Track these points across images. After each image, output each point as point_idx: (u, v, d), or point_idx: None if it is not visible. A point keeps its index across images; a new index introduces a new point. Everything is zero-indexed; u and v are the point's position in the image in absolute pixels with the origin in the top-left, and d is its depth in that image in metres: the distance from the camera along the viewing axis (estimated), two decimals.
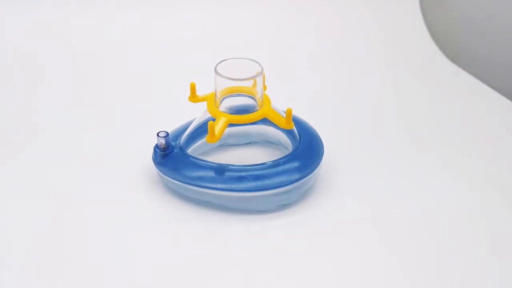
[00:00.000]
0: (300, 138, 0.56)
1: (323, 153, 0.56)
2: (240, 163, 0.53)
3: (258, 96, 0.54)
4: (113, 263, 0.48)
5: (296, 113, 0.61)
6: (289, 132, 0.58)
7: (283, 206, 0.54)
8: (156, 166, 0.54)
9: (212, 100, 0.54)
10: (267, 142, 0.61)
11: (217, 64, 0.53)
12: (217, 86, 0.53)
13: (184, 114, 0.58)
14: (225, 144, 0.60)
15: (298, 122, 0.58)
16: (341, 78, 0.79)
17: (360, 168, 0.61)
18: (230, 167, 0.53)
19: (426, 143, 0.66)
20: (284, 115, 0.55)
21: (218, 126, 0.52)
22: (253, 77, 0.52)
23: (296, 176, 0.53)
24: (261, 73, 0.53)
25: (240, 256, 0.50)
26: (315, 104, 0.72)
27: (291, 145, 0.57)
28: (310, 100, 0.72)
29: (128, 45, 0.80)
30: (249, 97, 0.54)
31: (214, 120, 0.53)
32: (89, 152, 0.61)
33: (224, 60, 0.53)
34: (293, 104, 0.61)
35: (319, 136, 0.58)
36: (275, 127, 0.58)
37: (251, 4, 0.86)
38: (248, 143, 0.61)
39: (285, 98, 0.65)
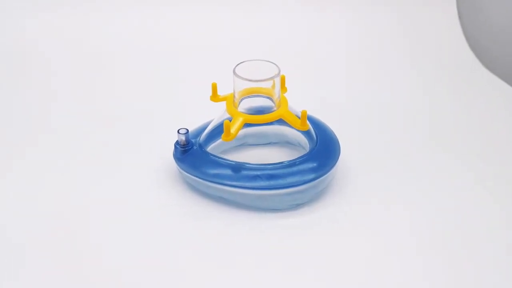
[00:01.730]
0: (317, 139, 0.58)
1: (339, 155, 0.57)
2: (258, 162, 0.55)
3: (275, 97, 0.56)
4: (128, 256, 0.51)
5: (320, 115, 0.62)
6: (306, 133, 0.59)
7: (297, 206, 0.56)
8: (176, 161, 0.57)
9: (231, 100, 0.56)
10: (287, 143, 0.62)
11: (236, 66, 0.55)
12: (235, 87, 0.55)
13: (206, 113, 0.60)
14: (245, 144, 0.62)
15: (315, 123, 0.60)
16: (369, 82, 0.79)
17: (378, 169, 0.61)
18: (246, 165, 0.55)
19: (451, 148, 0.66)
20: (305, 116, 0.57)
21: (235, 126, 0.54)
22: (270, 79, 0.54)
23: (309, 176, 0.54)
24: (278, 74, 0.55)
25: (248, 254, 0.51)
26: (341, 108, 0.72)
27: (308, 146, 0.59)
28: (336, 104, 0.73)
29: (149, 45, 0.82)
30: (267, 98, 0.56)
31: (231, 119, 0.55)
32: (113, 148, 0.64)
33: (242, 62, 0.55)
34: (318, 106, 0.63)
35: (336, 137, 0.59)
36: (293, 128, 0.60)
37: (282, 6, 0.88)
38: (268, 143, 0.63)
39: (312, 100, 0.68)
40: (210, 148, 0.58)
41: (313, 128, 0.59)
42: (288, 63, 0.63)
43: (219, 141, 0.59)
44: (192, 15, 0.86)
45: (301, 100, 0.62)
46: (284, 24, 0.87)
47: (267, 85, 0.55)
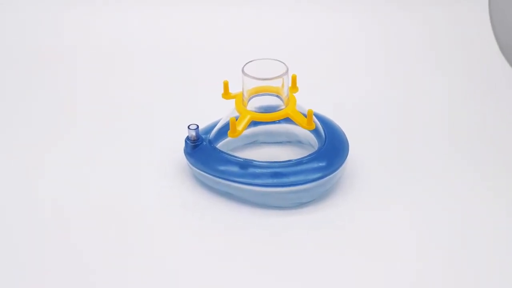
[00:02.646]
0: (325, 138, 0.58)
1: (346, 155, 0.58)
2: (267, 160, 0.56)
3: (284, 96, 0.56)
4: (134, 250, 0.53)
5: (333, 114, 0.63)
6: (315, 132, 0.59)
7: (302, 204, 0.56)
8: (186, 156, 0.58)
9: (240, 99, 0.57)
10: (298, 142, 0.63)
11: (245, 65, 0.56)
12: (244, 85, 0.56)
13: (217, 111, 0.61)
14: (256, 142, 0.63)
15: (325, 122, 0.60)
16: (386, 82, 0.79)
17: (388, 171, 0.61)
18: (254, 162, 0.56)
19: (468, 152, 0.65)
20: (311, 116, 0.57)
21: (242, 123, 0.55)
22: (277, 77, 0.55)
23: (314, 176, 0.55)
24: (286, 73, 0.55)
25: (250, 250, 0.52)
26: (354, 108, 0.72)
27: (317, 145, 0.59)
28: (350, 104, 0.73)
29: (162, 45, 0.84)
30: (276, 96, 0.57)
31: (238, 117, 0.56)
32: (126, 144, 0.66)
33: (251, 61, 0.57)
34: (332, 107, 0.63)
35: (345, 137, 0.60)
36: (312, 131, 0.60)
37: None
38: (280, 142, 0.63)
39: (325, 100, 0.68)
40: (221, 145, 0.60)
41: (323, 127, 0.59)
42: (302, 63, 0.64)
43: (230, 138, 0.60)
44: (207, 15, 0.87)
45: (316, 99, 0.64)
46: (301, 23, 0.87)
47: (275, 83, 0.56)
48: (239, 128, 0.55)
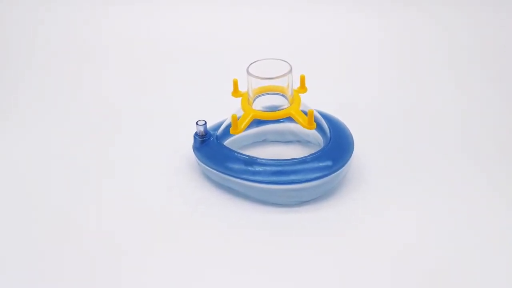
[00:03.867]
0: (330, 137, 0.59)
1: (350, 156, 0.58)
2: (273, 158, 0.57)
3: (288, 95, 0.57)
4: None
5: (343, 115, 0.63)
6: (322, 132, 0.60)
7: (303, 202, 0.57)
8: (194, 151, 0.60)
9: (246, 98, 0.59)
10: (308, 142, 0.63)
11: (250, 65, 0.57)
12: (249, 85, 0.58)
13: (227, 109, 0.62)
14: (266, 140, 0.64)
15: (333, 122, 0.61)
16: (399, 83, 0.78)
17: (394, 173, 0.61)
18: (258, 160, 0.57)
19: (476, 154, 0.64)
20: (319, 116, 0.59)
21: (244, 121, 0.57)
22: (279, 77, 0.56)
23: (315, 174, 0.55)
24: (290, 72, 0.56)
25: (250, 249, 0.53)
26: (364, 109, 0.72)
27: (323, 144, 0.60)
28: (360, 105, 0.73)
29: (172, 45, 0.86)
30: (281, 95, 0.58)
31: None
32: (138, 141, 0.68)
33: (256, 61, 0.58)
34: (342, 107, 0.64)
35: (351, 138, 0.60)
36: (318, 130, 0.61)
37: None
38: (290, 141, 0.64)
39: (336, 100, 0.69)
40: (231, 142, 0.61)
41: (329, 127, 0.60)
42: (310, 63, 0.65)
43: (240, 135, 0.61)
44: (219, 14, 0.89)
45: (325, 99, 0.65)
46: (309, 23, 0.87)
47: (280, 83, 0.57)
48: (241, 125, 0.56)
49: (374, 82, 0.78)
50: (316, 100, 0.61)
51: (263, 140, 0.64)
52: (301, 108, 0.58)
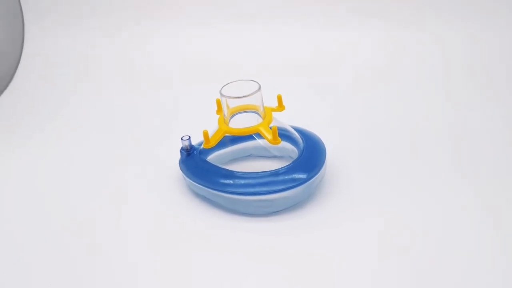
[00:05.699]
0: (303, 151, 0.62)
1: (320, 167, 0.61)
2: (255, 171, 0.61)
3: (260, 111, 0.61)
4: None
5: (322, 130, 0.66)
6: (296, 146, 0.63)
7: (273, 213, 0.60)
8: (179, 165, 0.65)
9: (222, 117, 0.63)
10: (289, 157, 0.67)
11: (223, 87, 0.62)
12: (223, 105, 0.62)
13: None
14: (252, 156, 0.68)
15: (306, 136, 0.64)
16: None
17: (367, 179, 0.64)
18: (234, 173, 0.60)
19: (451, 156, 0.66)
20: (293, 131, 0.63)
21: (216, 136, 0.62)
22: (247, 96, 0.60)
23: (282, 186, 0.58)
24: (258, 91, 0.60)
25: (233, 256, 0.56)
26: (342, 122, 0.75)
27: None
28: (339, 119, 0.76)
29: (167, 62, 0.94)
30: (255, 113, 0.62)
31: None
32: (131, 155, 0.74)
33: (228, 83, 0.62)
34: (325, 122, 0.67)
35: (323, 149, 0.63)
36: (292, 144, 0.64)
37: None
38: (275, 156, 0.68)
39: (320, 116, 0.72)
40: (216, 156, 0.66)
41: (303, 140, 0.63)
42: (291, 83, 0.68)
43: (225, 150, 0.67)
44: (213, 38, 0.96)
45: (306, 115, 0.67)
46: (291, 45, 0.92)
47: (251, 101, 0.61)
48: (212, 140, 0.62)
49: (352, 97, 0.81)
50: (295, 117, 0.64)
51: (249, 155, 0.68)
52: (276, 124, 0.62)
